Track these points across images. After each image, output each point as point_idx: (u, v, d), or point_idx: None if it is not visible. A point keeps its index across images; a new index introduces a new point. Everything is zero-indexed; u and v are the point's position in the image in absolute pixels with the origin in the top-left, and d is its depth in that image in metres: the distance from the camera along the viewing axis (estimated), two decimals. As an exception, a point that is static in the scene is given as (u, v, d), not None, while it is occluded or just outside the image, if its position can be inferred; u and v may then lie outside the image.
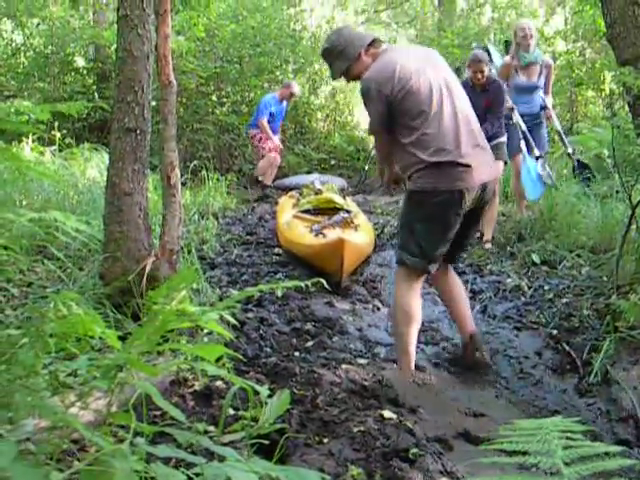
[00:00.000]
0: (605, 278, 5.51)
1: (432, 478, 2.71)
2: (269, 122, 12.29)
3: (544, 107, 7.94)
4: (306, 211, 7.76)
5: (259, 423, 2.62)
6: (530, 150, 7.86)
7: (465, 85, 6.59)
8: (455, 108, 4.17)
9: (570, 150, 8.18)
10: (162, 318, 1.44)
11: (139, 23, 4.66)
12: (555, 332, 4.95)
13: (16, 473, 1.26)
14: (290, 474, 1.79)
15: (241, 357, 3.80)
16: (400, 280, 4.34)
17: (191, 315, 1.49)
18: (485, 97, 7.20)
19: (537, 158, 7.85)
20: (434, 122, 4.07)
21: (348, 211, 7.54)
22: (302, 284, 2.26)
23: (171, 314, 1.45)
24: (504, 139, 7.47)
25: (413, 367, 4.26)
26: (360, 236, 6.82)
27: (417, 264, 4.22)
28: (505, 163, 7.57)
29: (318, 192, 8.59)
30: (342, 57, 4.36)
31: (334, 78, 4.56)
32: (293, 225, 7.33)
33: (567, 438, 1.32)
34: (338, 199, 8.12)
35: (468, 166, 4.03)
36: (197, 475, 1.73)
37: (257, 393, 2.41)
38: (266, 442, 2.56)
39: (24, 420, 1.64)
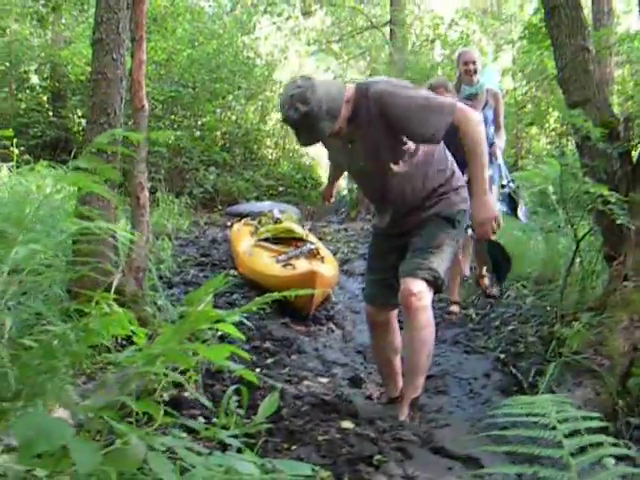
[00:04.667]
0: (549, 308, 5.79)
1: (396, 482, 2.93)
2: None
3: (492, 144, 7.06)
4: (265, 240, 7.64)
5: (254, 421, 2.81)
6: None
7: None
8: None
9: (505, 181, 7.24)
10: (195, 317, 1.65)
11: (114, 47, 4.81)
12: (502, 356, 5.22)
13: (75, 448, 1.45)
14: (284, 465, 1.99)
15: (206, 371, 4.06)
16: (428, 303, 3.82)
17: (216, 316, 1.70)
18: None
19: (502, 186, 7.15)
20: None
21: (311, 242, 7.50)
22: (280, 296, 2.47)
23: (205, 314, 1.66)
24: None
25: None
26: (328, 268, 6.75)
27: (445, 285, 4.00)
28: None
29: (277, 221, 8.46)
30: (329, 117, 3.62)
31: (310, 144, 3.80)
32: (256, 254, 7.21)
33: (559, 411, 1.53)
34: (298, 229, 8.06)
35: None
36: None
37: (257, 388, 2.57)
38: (252, 441, 2.74)
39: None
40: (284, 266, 6.55)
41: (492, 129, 7.07)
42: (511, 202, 7.12)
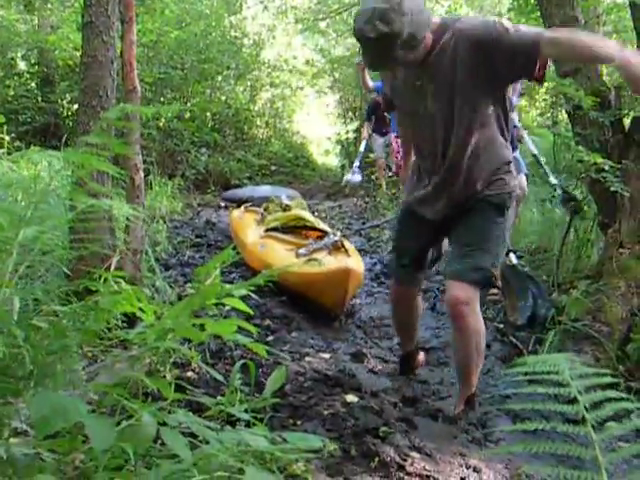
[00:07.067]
0: (545, 277, 5.82)
1: (403, 452, 2.97)
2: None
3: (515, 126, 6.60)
4: (273, 229, 6.82)
5: (261, 397, 2.84)
6: None
7: None
8: None
9: (554, 180, 6.25)
10: (205, 291, 1.66)
11: (104, 30, 4.78)
12: (501, 326, 5.26)
13: (90, 424, 1.47)
14: (293, 438, 2.02)
15: (207, 351, 4.09)
16: (478, 307, 3.61)
17: (223, 291, 1.72)
18: None
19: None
20: None
21: (333, 233, 6.55)
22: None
23: (214, 289, 1.67)
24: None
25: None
26: (356, 262, 5.90)
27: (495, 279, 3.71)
28: None
29: (286, 208, 7.80)
30: (406, 45, 3.21)
31: (378, 68, 3.52)
32: (270, 247, 6.41)
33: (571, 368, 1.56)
34: (309, 217, 7.27)
35: None
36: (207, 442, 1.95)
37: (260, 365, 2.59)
38: (258, 417, 2.76)
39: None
40: (307, 261, 5.70)
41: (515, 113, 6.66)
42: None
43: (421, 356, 4.48)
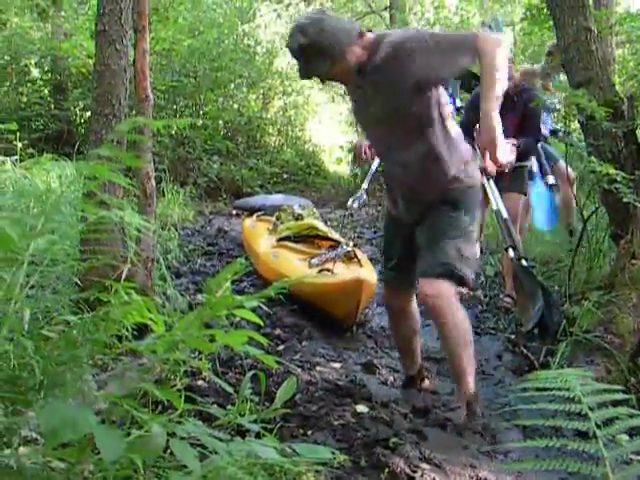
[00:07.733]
0: (557, 287, 5.80)
1: (413, 463, 2.96)
2: None
3: (554, 131, 7.20)
4: (285, 238, 6.83)
5: (271, 407, 2.83)
6: (543, 175, 6.94)
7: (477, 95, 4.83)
8: None
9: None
10: (217, 302, 1.66)
11: (117, 38, 4.80)
12: (513, 337, 5.24)
13: (99, 435, 1.47)
14: (303, 449, 2.01)
15: (218, 360, 4.08)
16: (449, 300, 3.63)
17: (234, 302, 1.72)
18: (514, 113, 5.99)
19: (550, 186, 6.89)
20: None
21: (346, 243, 6.45)
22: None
23: (225, 300, 1.67)
24: (527, 163, 6.19)
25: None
26: (369, 273, 5.81)
27: (469, 277, 3.74)
28: (524, 194, 6.27)
29: (298, 217, 7.71)
30: (324, 56, 3.50)
31: (306, 77, 3.69)
32: (283, 256, 6.40)
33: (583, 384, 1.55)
34: (322, 226, 7.24)
35: None
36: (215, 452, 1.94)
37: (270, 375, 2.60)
38: (268, 427, 2.76)
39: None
40: (319, 271, 5.79)
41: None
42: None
43: (426, 383, 4.39)
